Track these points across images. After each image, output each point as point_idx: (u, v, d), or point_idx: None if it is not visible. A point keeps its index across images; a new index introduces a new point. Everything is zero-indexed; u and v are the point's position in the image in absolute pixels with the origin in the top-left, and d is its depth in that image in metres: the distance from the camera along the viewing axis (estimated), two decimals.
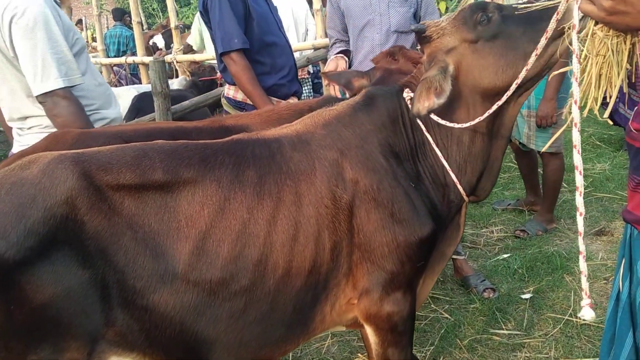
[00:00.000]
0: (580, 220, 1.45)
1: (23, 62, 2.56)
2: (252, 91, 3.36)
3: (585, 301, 1.56)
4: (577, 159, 1.36)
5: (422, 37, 2.02)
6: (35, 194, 1.61)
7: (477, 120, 1.91)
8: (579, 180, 1.38)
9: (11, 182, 1.63)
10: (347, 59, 3.81)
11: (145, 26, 14.21)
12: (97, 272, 1.65)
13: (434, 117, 1.97)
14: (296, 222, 1.84)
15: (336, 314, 2.01)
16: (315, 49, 5.30)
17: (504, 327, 3.30)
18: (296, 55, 4.61)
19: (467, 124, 1.93)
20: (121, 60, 8.09)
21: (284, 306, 1.87)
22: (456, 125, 1.95)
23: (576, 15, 1.23)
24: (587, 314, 1.55)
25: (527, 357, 3.03)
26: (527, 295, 3.59)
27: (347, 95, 2.88)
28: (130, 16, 8.78)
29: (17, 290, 1.59)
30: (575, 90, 1.29)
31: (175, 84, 6.09)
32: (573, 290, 3.58)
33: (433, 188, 2.06)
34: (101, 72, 7.95)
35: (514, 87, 1.79)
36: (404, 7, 3.72)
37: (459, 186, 2.08)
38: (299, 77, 6.57)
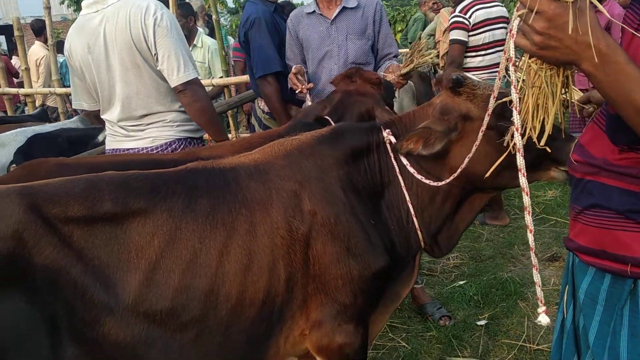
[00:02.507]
0: (530, 237, 1.56)
1: (166, 58, 2.93)
2: (280, 111, 3.92)
3: (541, 308, 1.62)
4: (523, 180, 1.46)
5: (453, 87, 2.01)
6: None
7: (440, 183, 2.00)
8: (527, 201, 1.49)
9: None
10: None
11: None
12: (46, 307, 1.60)
13: (408, 167, 2.02)
14: (250, 251, 1.82)
15: (290, 346, 1.99)
16: None
17: (460, 354, 3.32)
18: None
19: (437, 183, 2.00)
20: None
21: (238, 337, 1.84)
22: (424, 180, 2.02)
23: (511, 48, 1.31)
24: (543, 320, 1.61)
25: None
26: (482, 322, 3.64)
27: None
28: None
29: None
30: (516, 118, 1.38)
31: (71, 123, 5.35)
32: (527, 316, 3.64)
33: (395, 229, 2.08)
34: (56, 102, 7.80)
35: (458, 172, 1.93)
36: (361, 40, 3.80)
37: (420, 233, 2.10)
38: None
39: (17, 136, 4.50)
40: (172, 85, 2.99)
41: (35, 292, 1.60)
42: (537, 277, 1.65)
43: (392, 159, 2.07)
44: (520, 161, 1.46)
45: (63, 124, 5.03)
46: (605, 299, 1.41)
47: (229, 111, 5.73)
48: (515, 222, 5.20)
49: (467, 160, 1.87)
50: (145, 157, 2.63)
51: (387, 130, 2.08)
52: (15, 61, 9.01)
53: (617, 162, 1.36)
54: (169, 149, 3.12)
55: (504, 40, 4.72)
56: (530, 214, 1.51)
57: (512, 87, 1.36)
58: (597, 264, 1.42)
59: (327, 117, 2.79)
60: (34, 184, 1.72)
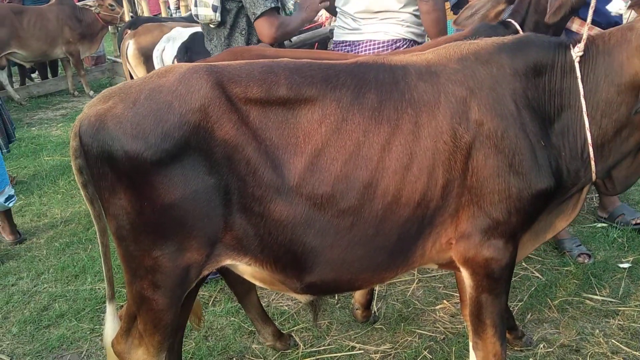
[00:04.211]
0: None
1: None
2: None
3: None
4: None
5: None
6: (172, 100, 1.71)
7: None
8: None
9: (150, 88, 1.75)
10: None
11: None
12: (222, 178, 1.75)
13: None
14: (411, 152, 1.84)
15: (435, 252, 2.02)
16: None
17: (598, 292, 3.20)
18: None
19: None
20: None
21: (389, 233, 1.90)
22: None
23: None
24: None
25: (620, 324, 2.94)
26: (626, 265, 3.45)
27: None
28: None
29: (151, 189, 1.72)
30: None
31: None
32: None
33: (565, 157, 1.98)
34: None
35: None
36: None
37: (593, 164, 1.98)
38: None
39: (182, 33, 4.82)
40: None
41: (214, 163, 1.74)
42: None
43: (579, 79, 1.93)
44: None
45: None
46: None
47: None
48: None
49: None
50: (335, 55, 2.70)
51: (580, 45, 1.93)
52: None
53: None
54: (394, 46, 3.30)
55: None
56: None
57: None
58: None
59: (510, 20, 2.63)
60: (219, 64, 1.84)
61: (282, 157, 1.79)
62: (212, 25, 3.34)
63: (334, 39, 3.63)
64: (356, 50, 3.42)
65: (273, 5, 3.07)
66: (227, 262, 1.89)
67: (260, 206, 1.79)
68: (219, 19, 3.24)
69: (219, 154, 1.73)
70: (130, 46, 6.10)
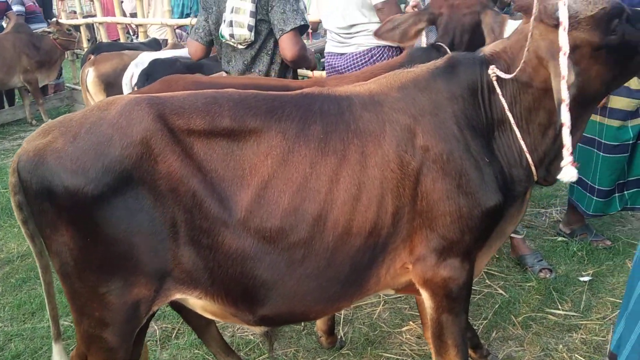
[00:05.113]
0: None
1: None
2: None
3: (567, 159, 1.79)
4: None
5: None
6: (113, 134, 1.67)
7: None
8: None
9: (91, 122, 1.71)
10: None
11: None
12: (167, 211, 1.71)
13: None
14: (360, 182, 1.83)
15: (390, 278, 2.01)
16: None
17: (560, 307, 3.23)
18: None
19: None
20: (185, 22, 8.06)
21: (341, 264, 1.88)
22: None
23: None
24: (567, 173, 1.80)
25: (583, 338, 2.96)
26: (586, 278, 3.49)
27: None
28: None
29: (93, 224, 1.67)
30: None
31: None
32: None
33: (506, 167, 2.01)
34: (164, 34, 8.11)
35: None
36: None
37: (534, 168, 2.02)
38: None
39: (145, 59, 4.80)
40: (373, 3, 3.58)
41: (159, 196, 1.70)
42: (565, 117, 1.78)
43: (500, 96, 1.96)
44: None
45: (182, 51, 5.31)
46: None
47: None
48: None
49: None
50: (275, 81, 2.75)
51: (493, 67, 1.96)
52: None
53: None
54: (369, 54, 3.73)
55: None
56: None
57: None
58: None
59: (440, 43, 2.66)
60: (161, 95, 1.80)
61: (228, 190, 1.75)
62: (241, 46, 3.42)
63: (325, 50, 4.07)
64: (341, 61, 3.87)
65: (302, 23, 3.28)
66: (177, 296, 1.84)
67: (208, 239, 1.75)
68: (253, 39, 3.36)
69: (163, 186, 1.69)
70: (90, 74, 6.03)
